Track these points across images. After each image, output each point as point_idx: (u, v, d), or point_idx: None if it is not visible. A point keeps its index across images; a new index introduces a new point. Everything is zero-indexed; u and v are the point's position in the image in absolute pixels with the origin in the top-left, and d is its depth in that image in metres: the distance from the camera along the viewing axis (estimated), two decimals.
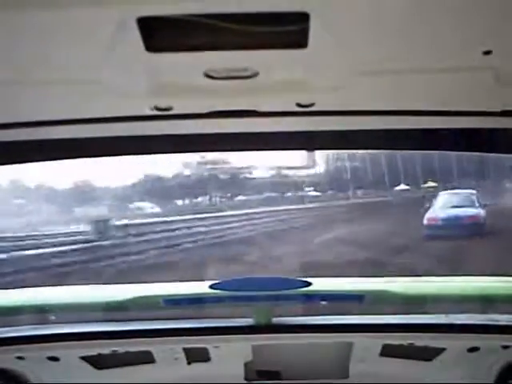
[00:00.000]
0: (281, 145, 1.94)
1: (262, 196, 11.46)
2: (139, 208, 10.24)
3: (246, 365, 2.47)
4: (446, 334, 2.34)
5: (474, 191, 12.03)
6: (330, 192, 12.55)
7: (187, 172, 10.27)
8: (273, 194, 11.44)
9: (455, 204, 11.86)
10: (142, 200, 10.39)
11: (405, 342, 2.36)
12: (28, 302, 2.60)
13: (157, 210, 10.41)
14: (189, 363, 2.46)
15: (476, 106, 1.63)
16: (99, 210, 8.88)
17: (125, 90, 1.40)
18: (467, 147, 2.01)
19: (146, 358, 2.43)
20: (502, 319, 2.40)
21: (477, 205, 11.61)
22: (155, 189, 10.34)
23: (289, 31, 1.12)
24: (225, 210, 10.64)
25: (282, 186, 11.14)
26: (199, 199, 11.40)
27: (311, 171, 10.87)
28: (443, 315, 2.42)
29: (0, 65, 1.25)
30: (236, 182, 11.01)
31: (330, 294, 2.47)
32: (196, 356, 2.45)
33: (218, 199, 11.57)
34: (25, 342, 2.33)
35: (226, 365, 2.45)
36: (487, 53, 1.23)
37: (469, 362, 2.37)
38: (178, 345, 2.40)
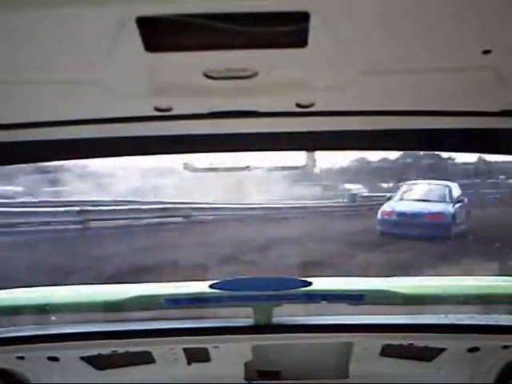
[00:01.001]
0: (281, 145, 1.94)
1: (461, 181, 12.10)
2: (348, 189, 13.08)
3: (246, 365, 2.47)
4: (446, 334, 2.34)
5: (452, 183, 9.76)
6: None
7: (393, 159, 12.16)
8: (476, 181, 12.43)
9: (419, 197, 9.65)
10: (350, 182, 13.36)
11: (405, 342, 2.36)
12: (28, 301, 2.60)
13: (363, 190, 13.27)
14: (189, 363, 2.46)
15: (476, 105, 1.63)
16: (315, 190, 12.76)
17: (124, 91, 1.40)
18: (467, 147, 2.01)
19: (146, 358, 2.42)
20: (502, 319, 2.40)
21: (447, 200, 9.44)
22: (363, 173, 13.19)
23: (289, 31, 1.12)
24: None
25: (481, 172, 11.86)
26: (401, 183, 12.48)
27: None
28: (443, 315, 2.42)
29: (0, 65, 1.25)
30: (438, 168, 12.12)
31: (330, 293, 2.47)
32: (196, 356, 2.45)
33: None
34: (25, 342, 2.32)
35: (226, 365, 2.45)
36: (487, 52, 1.23)
37: (469, 362, 2.37)
38: (177, 345, 2.40)
